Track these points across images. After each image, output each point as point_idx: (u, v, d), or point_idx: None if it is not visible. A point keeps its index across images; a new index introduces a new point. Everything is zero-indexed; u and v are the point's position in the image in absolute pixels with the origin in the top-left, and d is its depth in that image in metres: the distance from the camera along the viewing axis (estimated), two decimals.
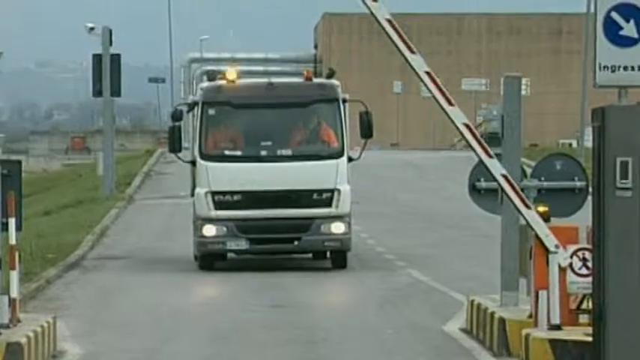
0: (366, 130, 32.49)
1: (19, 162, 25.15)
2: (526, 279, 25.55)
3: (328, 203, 31.95)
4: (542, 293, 23.21)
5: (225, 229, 32.28)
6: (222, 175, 32.42)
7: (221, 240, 32.44)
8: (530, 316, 24.15)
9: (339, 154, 32.22)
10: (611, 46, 20.82)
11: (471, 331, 27.42)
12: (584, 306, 22.89)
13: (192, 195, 33.48)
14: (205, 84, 33.57)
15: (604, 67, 20.81)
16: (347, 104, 32.67)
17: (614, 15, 20.82)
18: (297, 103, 32.68)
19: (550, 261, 22.99)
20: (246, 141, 33.03)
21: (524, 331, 23.45)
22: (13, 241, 23.55)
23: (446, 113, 22.46)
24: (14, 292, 23.53)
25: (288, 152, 32.64)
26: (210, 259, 33.13)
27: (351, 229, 33.20)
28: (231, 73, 33.09)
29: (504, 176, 24.64)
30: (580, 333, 22.01)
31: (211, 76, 33.89)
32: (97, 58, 58.46)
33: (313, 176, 31.97)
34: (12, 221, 23.50)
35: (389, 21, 22.44)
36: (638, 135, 19.35)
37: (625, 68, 20.89)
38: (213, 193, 32.37)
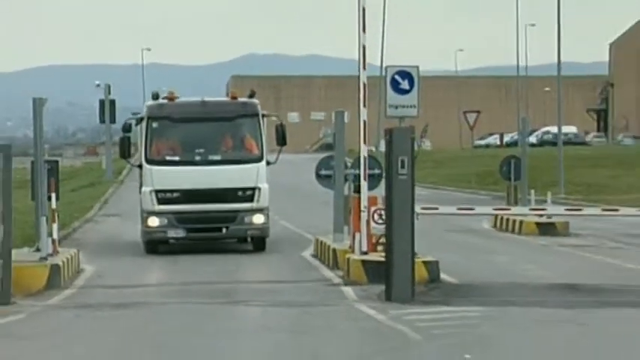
0: (281, 139, 33.24)
1: (57, 161, 31.66)
2: (347, 226, 29.93)
3: (250, 199, 32.38)
4: (357, 234, 27.19)
5: (166, 220, 32.17)
6: (163, 176, 32.38)
7: (163, 229, 32.36)
8: (350, 247, 28.05)
9: (259, 159, 32.58)
10: (394, 94, 25.59)
11: (317, 256, 32.24)
12: (380, 241, 25.90)
13: (140, 193, 33.19)
14: (150, 102, 33.27)
15: (390, 105, 25.80)
16: (265, 119, 33.23)
17: (397, 76, 25.54)
18: (224, 117, 33.00)
19: (361, 215, 26.79)
20: (184, 148, 33.11)
21: (346, 256, 27.38)
22: (54, 206, 28.65)
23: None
24: (54, 235, 28.40)
25: (217, 157, 32.79)
26: (154, 245, 32.97)
27: (269, 220, 33.41)
28: (171, 93, 33.28)
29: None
30: (378, 256, 25.45)
31: (155, 95, 33.32)
32: (101, 102, 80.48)
33: (238, 177, 32.30)
34: (53, 195, 28.57)
35: None
36: (408, 143, 23.52)
37: (402, 107, 25.63)
38: (157, 191, 32.26)
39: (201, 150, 32.62)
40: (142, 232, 32.95)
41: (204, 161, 32.54)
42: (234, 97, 33.50)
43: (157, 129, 32.56)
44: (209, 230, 32.60)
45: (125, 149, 33.75)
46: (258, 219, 32.30)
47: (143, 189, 32.68)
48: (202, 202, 32.07)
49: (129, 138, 33.63)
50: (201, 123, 32.90)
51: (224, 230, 32.66)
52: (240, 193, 32.21)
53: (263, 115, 32.74)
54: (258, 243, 33.36)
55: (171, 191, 32.17)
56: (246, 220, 32.25)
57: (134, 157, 35.63)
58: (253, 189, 32.28)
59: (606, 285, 26.62)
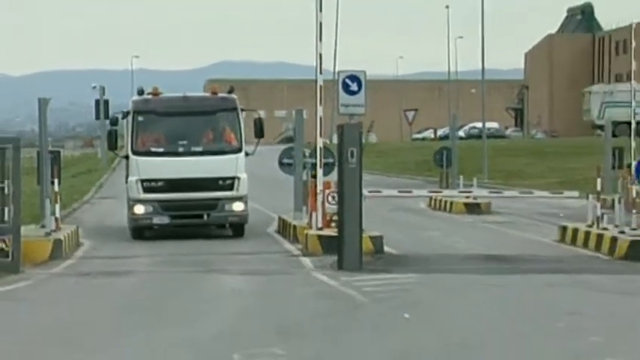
0: (259, 131, 30.55)
1: (59, 151, 31.56)
2: (305, 206, 30.08)
3: (230, 187, 29.67)
4: (314, 213, 27.42)
5: (151, 207, 29.50)
6: (148, 166, 29.63)
7: (148, 216, 29.64)
8: (307, 224, 28.22)
9: (238, 150, 29.88)
10: (345, 95, 25.30)
11: (280, 232, 32.09)
12: (333, 219, 25.95)
13: (127, 182, 30.64)
14: (136, 97, 30.56)
15: (342, 105, 25.47)
16: (243, 113, 30.52)
17: (347, 80, 25.31)
18: (206, 111, 30.32)
19: (317, 197, 27.11)
20: (167, 140, 30.25)
21: (304, 231, 27.49)
22: (56, 189, 28.36)
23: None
24: (57, 214, 28.18)
25: (199, 148, 30.02)
26: (140, 231, 30.21)
27: (247, 207, 30.48)
28: (155, 88, 30.50)
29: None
30: (331, 231, 25.62)
31: (140, 91, 30.51)
32: (97, 101, 79.53)
33: (218, 167, 29.55)
34: (56, 180, 28.33)
35: None
36: (357, 137, 23.57)
37: (352, 106, 25.34)
38: (142, 181, 29.55)
39: (184, 142, 30.09)
40: (129, 218, 30.42)
41: (186, 152, 30.02)
42: (214, 93, 30.98)
43: (142, 122, 29.95)
44: (191, 217, 30.00)
45: (112, 141, 31.56)
46: (238, 206, 29.80)
47: (129, 178, 30.16)
48: (185, 190, 29.57)
49: (116, 131, 31.44)
50: (184, 116, 30.34)
51: (205, 217, 30.03)
52: (220, 182, 29.73)
53: (242, 109, 30.36)
54: (237, 229, 30.78)
55: (156, 180, 29.57)
56: (227, 207, 29.73)
57: (121, 149, 32.75)
58: (233, 178, 29.79)
59: (522, 255, 26.77)
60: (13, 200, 23.18)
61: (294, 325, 16.57)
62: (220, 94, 30.65)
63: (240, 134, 29.97)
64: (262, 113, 29.91)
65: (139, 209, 29.56)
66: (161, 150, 30.00)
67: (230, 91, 30.62)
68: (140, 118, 29.89)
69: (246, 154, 30.02)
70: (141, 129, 29.90)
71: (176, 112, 30.24)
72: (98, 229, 33.95)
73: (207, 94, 31.16)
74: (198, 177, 29.48)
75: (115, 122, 31.45)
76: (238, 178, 29.69)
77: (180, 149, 29.97)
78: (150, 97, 30.29)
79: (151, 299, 19.99)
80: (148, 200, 29.54)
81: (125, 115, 30.44)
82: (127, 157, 30.32)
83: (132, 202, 29.81)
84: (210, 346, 14.67)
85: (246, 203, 30.06)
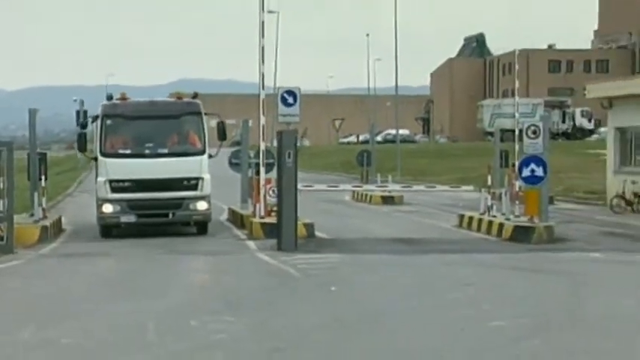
0: (222, 135, 27.45)
1: (45, 153, 30.42)
2: (250, 199, 29.58)
3: (195, 187, 26.41)
4: (257, 204, 27.22)
5: (118, 207, 26.23)
6: (116, 167, 26.32)
7: (116, 215, 26.34)
8: (252, 213, 27.83)
9: (202, 152, 26.62)
10: (283, 107, 25.38)
11: (230, 220, 31.83)
12: (273, 209, 25.79)
13: (96, 182, 27.23)
14: (105, 102, 27.22)
15: (280, 115, 25.51)
16: (206, 117, 27.19)
17: (285, 94, 25.43)
18: (171, 115, 26.96)
19: (260, 191, 26.99)
20: (134, 142, 26.71)
21: (250, 219, 27.39)
22: (43, 185, 28.06)
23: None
24: (44, 205, 28.09)
25: (165, 150, 26.61)
26: (109, 229, 26.86)
27: (211, 206, 27.36)
28: (123, 94, 27.49)
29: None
30: (272, 219, 25.57)
31: (109, 97, 27.35)
32: (77, 112, 78.66)
33: (183, 168, 26.32)
34: (43, 177, 28.03)
35: None
36: (293, 141, 23.60)
37: (289, 116, 25.40)
38: (110, 181, 26.26)
39: (150, 144, 26.61)
40: (97, 217, 26.93)
41: (152, 154, 26.47)
42: (179, 98, 27.60)
43: (111, 125, 26.64)
44: (157, 216, 26.59)
45: (82, 143, 27.49)
46: (202, 205, 26.61)
47: (98, 179, 26.72)
48: (151, 190, 26.23)
49: (85, 134, 27.90)
50: (150, 120, 26.84)
51: (171, 215, 26.59)
52: (185, 182, 26.40)
53: (205, 114, 27.00)
54: (201, 227, 27.47)
55: (123, 181, 26.24)
56: (191, 206, 26.45)
57: (91, 151, 28.09)
58: (197, 179, 26.49)
59: (427, 238, 26.85)
60: (7, 194, 23.10)
61: (242, 297, 16.53)
62: (185, 99, 27.52)
63: (204, 137, 26.91)
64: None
65: (107, 208, 26.37)
66: (128, 152, 26.63)
67: (194, 97, 27.64)
68: (109, 122, 26.68)
69: (210, 156, 27.02)
70: (109, 132, 26.70)
71: (143, 116, 26.92)
72: (78, 217, 33.27)
73: (173, 99, 27.62)
74: (163, 177, 26.23)
75: (84, 126, 28.50)
76: (202, 179, 26.60)
77: (147, 151, 26.56)
78: (118, 101, 27.22)
79: (122, 275, 19.85)
80: (115, 200, 26.34)
81: (95, 119, 27.45)
82: (96, 159, 26.94)
83: (100, 201, 26.54)
84: (172, 314, 14.58)
85: (209, 202, 27.11)
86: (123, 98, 27.26)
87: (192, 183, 26.45)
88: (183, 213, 26.49)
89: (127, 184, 26.24)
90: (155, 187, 26.19)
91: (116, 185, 26.26)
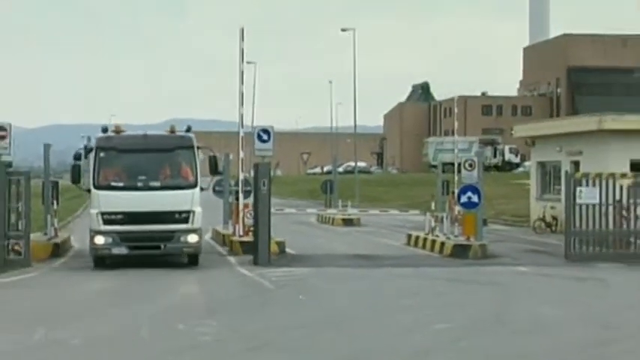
0: (214, 168, 24.33)
1: (57, 182, 29.37)
2: (231, 220, 29.53)
3: (186, 220, 22.73)
4: (237, 225, 27.25)
5: (110, 239, 22.57)
6: (109, 200, 22.67)
7: (107, 247, 22.65)
8: (232, 233, 27.77)
9: (194, 185, 22.98)
10: (259, 143, 24.83)
11: (213, 238, 31.24)
12: (251, 229, 25.24)
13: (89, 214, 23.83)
14: (99, 135, 23.85)
15: (257, 149, 24.75)
16: (199, 150, 23.55)
17: (260, 132, 24.86)
18: (164, 148, 23.45)
19: (239, 214, 26.92)
20: (127, 175, 23.18)
21: (230, 238, 27.21)
22: (55, 208, 27.68)
23: None
24: (56, 225, 27.72)
25: (157, 184, 22.94)
26: (101, 260, 23.12)
27: (202, 239, 23.91)
28: (118, 127, 23.93)
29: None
30: (249, 238, 25.17)
31: (104, 129, 24.00)
32: (85, 146, 74.49)
33: (175, 201, 22.67)
34: (55, 202, 27.58)
35: None
36: (267, 172, 23.46)
37: (264, 150, 24.72)
38: (102, 213, 22.62)
39: (143, 177, 23.11)
40: (90, 248, 23.30)
41: (145, 187, 22.92)
42: (172, 131, 23.76)
43: (104, 158, 23.23)
44: (149, 248, 22.93)
45: (76, 175, 23.84)
46: (193, 238, 22.91)
47: (91, 211, 23.30)
48: (143, 222, 22.62)
49: (79, 166, 23.92)
50: (143, 153, 23.40)
51: (162, 248, 22.92)
52: (176, 215, 22.74)
53: (198, 147, 23.60)
54: (192, 259, 23.65)
55: (115, 213, 22.63)
56: (182, 239, 22.79)
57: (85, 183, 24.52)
58: (188, 212, 22.84)
59: (382, 254, 26.70)
60: (24, 216, 22.97)
61: (223, 304, 16.41)
62: (178, 133, 23.71)
63: (196, 170, 23.29)
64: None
65: (99, 240, 22.73)
66: (121, 184, 23.01)
67: (188, 130, 23.88)
68: (102, 154, 23.24)
69: (201, 189, 23.54)
70: (102, 164, 23.22)
71: (136, 149, 23.48)
72: (84, 236, 32.08)
73: (166, 133, 23.81)
74: (155, 210, 22.62)
75: (78, 157, 24.14)
76: (193, 212, 22.89)
77: (139, 184, 22.96)
78: (112, 134, 23.71)
79: (120, 286, 19.60)
80: (107, 232, 22.63)
81: (89, 151, 23.88)
82: (89, 191, 23.38)
83: (93, 232, 22.91)
84: (163, 319, 14.44)
85: (200, 235, 23.46)
86: (117, 131, 23.87)
87: (183, 216, 22.87)
88: (175, 245, 22.88)
89: (118, 216, 22.69)
90: (147, 219, 22.66)
91: (108, 217, 22.71)
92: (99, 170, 23.11)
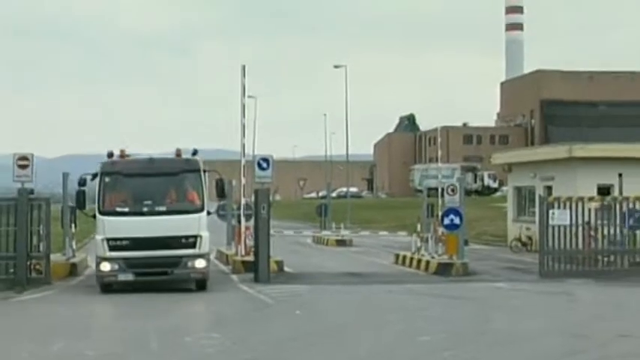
0: (220, 192, 22.54)
1: (75, 207, 28.01)
2: (234, 241, 29.23)
3: (193, 245, 20.36)
4: (239, 246, 26.97)
5: (116, 265, 20.35)
6: (114, 225, 20.45)
7: (113, 273, 20.42)
8: (235, 253, 27.40)
9: (200, 210, 20.64)
10: (259, 170, 24.31)
11: (217, 258, 30.57)
12: (251, 249, 24.75)
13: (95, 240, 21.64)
14: (104, 160, 21.46)
15: (257, 176, 24.24)
16: (206, 174, 21.33)
17: (260, 160, 24.41)
18: (170, 172, 21.02)
19: (241, 235, 26.52)
20: (133, 200, 20.81)
21: (233, 257, 26.82)
22: (73, 231, 27.27)
23: None
24: (74, 246, 27.30)
25: (163, 208, 20.61)
26: (108, 286, 20.79)
27: (209, 264, 21.44)
28: (122, 150, 21.41)
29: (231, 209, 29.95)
30: (250, 258, 24.14)
31: (110, 154, 21.35)
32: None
33: (182, 226, 20.33)
34: (73, 225, 27.12)
35: None
36: (266, 197, 22.96)
37: (264, 177, 24.18)
38: (108, 239, 20.44)
39: (149, 202, 20.71)
40: (96, 275, 21.17)
41: (151, 212, 20.54)
42: (178, 155, 21.36)
43: (109, 183, 21.01)
44: (155, 274, 20.57)
45: (81, 201, 21.70)
46: (200, 263, 20.61)
47: (96, 237, 21.09)
48: (149, 248, 20.25)
49: (84, 191, 21.62)
50: (149, 178, 21.02)
51: (169, 273, 20.59)
52: (183, 240, 20.37)
53: (204, 171, 21.29)
54: (200, 285, 21.25)
55: (121, 239, 20.37)
56: (189, 264, 20.46)
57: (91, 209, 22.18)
58: (195, 237, 20.49)
59: (372, 272, 26.67)
60: (45, 238, 22.72)
61: (226, 318, 16.29)
62: (184, 156, 21.38)
63: (203, 194, 20.90)
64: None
65: (105, 267, 20.57)
66: (126, 210, 20.69)
67: (194, 153, 21.52)
68: (107, 179, 21.02)
69: (208, 213, 21.26)
70: (107, 190, 21.00)
71: (141, 174, 21.08)
72: None
73: (172, 157, 21.45)
74: (161, 236, 20.25)
75: (83, 183, 21.59)
76: (200, 237, 20.57)
77: (145, 209, 20.59)
78: (117, 159, 21.41)
79: (130, 303, 19.42)
80: (113, 258, 20.43)
81: (94, 176, 21.43)
82: (94, 217, 21.12)
83: (99, 259, 20.83)
84: (170, 332, 14.32)
85: (208, 260, 21.17)
86: (122, 155, 21.48)
87: (190, 241, 20.48)
88: (182, 271, 20.53)
89: (124, 242, 20.40)
90: (153, 245, 20.27)
91: (114, 244, 20.46)
92: (104, 195, 20.98)
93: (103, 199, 20.98)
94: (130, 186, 21.04)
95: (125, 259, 20.41)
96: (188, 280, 20.96)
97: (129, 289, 20.59)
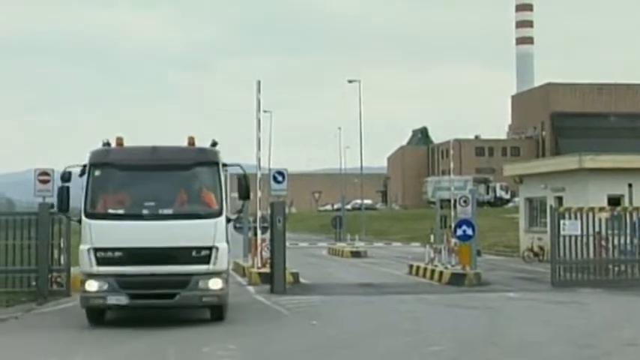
0: (244, 192, 16.75)
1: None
2: (250, 253, 29.19)
3: (206, 260, 15.39)
4: (255, 258, 26.97)
5: (106, 284, 15.37)
6: (104, 232, 15.38)
7: (102, 295, 15.48)
8: (251, 265, 27.42)
9: (217, 214, 15.58)
10: (274, 183, 24.67)
11: (234, 270, 29.86)
12: (268, 261, 24.98)
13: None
14: (95, 148, 16.16)
15: (272, 189, 24.69)
16: (226, 168, 16.48)
17: (276, 174, 24.74)
18: (178, 165, 15.86)
19: (257, 247, 26.45)
20: (130, 200, 15.74)
21: (249, 269, 26.86)
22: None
23: None
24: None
25: (169, 211, 15.49)
26: (96, 313, 16.26)
27: (228, 285, 16.44)
28: (119, 138, 16.05)
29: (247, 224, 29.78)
30: (266, 269, 24.75)
31: (106, 142, 16.17)
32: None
33: (192, 234, 15.34)
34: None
35: None
36: (282, 209, 22.89)
37: (279, 190, 24.62)
38: (95, 250, 15.37)
39: (151, 202, 15.68)
40: (80, 297, 16.29)
41: (153, 215, 15.51)
42: (191, 144, 16.13)
43: (100, 177, 15.83)
44: (157, 297, 15.61)
45: (63, 201, 16.11)
46: (215, 284, 15.66)
47: (80, 247, 15.81)
48: (149, 263, 15.30)
49: (68, 188, 16.11)
50: (151, 171, 15.91)
51: (175, 297, 15.61)
52: (194, 253, 15.43)
53: (224, 165, 16.32)
54: (215, 312, 16.51)
55: (113, 250, 15.37)
56: (201, 285, 15.54)
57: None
58: (210, 248, 15.48)
59: (387, 282, 26.60)
60: (65, 251, 22.53)
61: (243, 329, 16.20)
62: (198, 146, 16.20)
63: (221, 194, 15.91)
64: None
65: (91, 286, 15.58)
66: (121, 212, 15.67)
67: (214, 145, 16.40)
68: (97, 173, 15.86)
69: (228, 221, 16.11)
70: (97, 186, 15.84)
71: (141, 166, 15.97)
72: None
73: (182, 146, 16.15)
74: (166, 247, 15.32)
75: (67, 178, 16.11)
76: (216, 249, 15.56)
77: (146, 212, 15.60)
78: (111, 147, 16.19)
79: (147, 313, 18.67)
80: (102, 275, 15.44)
81: (83, 170, 16.04)
82: (80, 221, 15.94)
83: (84, 276, 15.80)
84: (188, 343, 14.27)
85: (226, 280, 16.17)
86: (119, 143, 16.20)
87: (203, 254, 15.51)
88: (191, 294, 15.58)
89: (117, 254, 15.40)
90: (155, 258, 15.35)
91: (103, 255, 15.45)
92: (92, 193, 15.82)
93: (91, 197, 15.84)
94: (127, 181, 16.05)
95: (117, 275, 15.43)
96: (199, 305, 16.07)
97: (124, 318, 16.61)
